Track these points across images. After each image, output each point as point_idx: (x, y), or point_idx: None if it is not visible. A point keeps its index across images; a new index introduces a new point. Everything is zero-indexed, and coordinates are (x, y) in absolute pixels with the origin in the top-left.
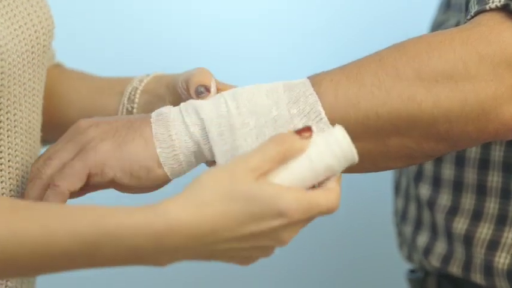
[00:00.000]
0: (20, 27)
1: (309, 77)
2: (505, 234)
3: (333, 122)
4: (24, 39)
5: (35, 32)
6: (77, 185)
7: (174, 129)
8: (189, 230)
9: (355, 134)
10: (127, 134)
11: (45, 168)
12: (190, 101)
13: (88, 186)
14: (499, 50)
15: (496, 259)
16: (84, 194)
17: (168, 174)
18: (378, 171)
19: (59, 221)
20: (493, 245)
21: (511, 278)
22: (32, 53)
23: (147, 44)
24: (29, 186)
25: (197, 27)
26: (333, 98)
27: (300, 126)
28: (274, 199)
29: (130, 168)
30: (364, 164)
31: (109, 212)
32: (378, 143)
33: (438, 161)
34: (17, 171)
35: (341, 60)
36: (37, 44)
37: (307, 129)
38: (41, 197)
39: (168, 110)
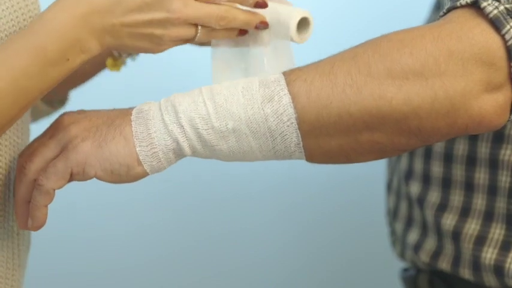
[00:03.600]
0: (7, 8)
1: (284, 73)
2: (492, 230)
3: (306, 122)
4: (11, 20)
5: (22, 14)
6: (61, 184)
7: (153, 127)
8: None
9: (327, 131)
10: (107, 133)
11: (30, 165)
12: (170, 99)
13: (71, 181)
14: (468, 46)
15: (483, 254)
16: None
17: (148, 171)
18: (351, 163)
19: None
20: (480, 240)
21: (498, 272)
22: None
23: None
24: (16, 183)
25: None
26: (306, 99)
27: (273, 126)
28: None
29: (110, 166)
30: (338, 158)
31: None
32: (350, 139)
33: (427, 158)
34: (6, 166)
35: None
36: (24, 26)
37: None
38: (28, 193)
39: (148, 108)
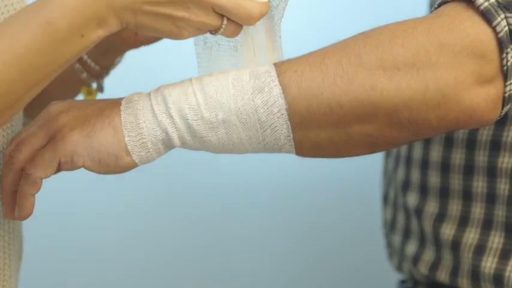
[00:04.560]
0: None
1: (275, 65)
2: (491, 239)
3: (296, 113)
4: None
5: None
6: (48, 173)
7: (142, 117)
8: None
9: (318, 123)
10: (96, 123)
11: (17, 154)
12: (160, 89)
13: (58, 171)
14: (460, 38)
15: (483, 264)
16: (57, 173)
17: (137, 161)
18: (340, 157)
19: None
20: (480, 249)
21: (497, 282)
22: None
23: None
24: (3, 172)
25: None
26: (297, 90)
27: (263, 118)
28: None
29: (99, 156)
30: (328, 151)
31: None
32: (340, 131)
33: (424, 169)
34: None
35: None
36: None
37: None
38: (15, 183)
39: (138, 98)
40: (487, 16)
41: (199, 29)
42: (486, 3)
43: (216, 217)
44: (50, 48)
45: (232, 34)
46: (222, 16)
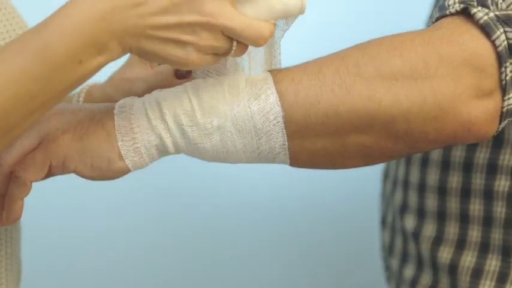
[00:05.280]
0: None
1: (271, 72)
2: (488, 262)
3: (292, 121)
4: None
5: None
6: (38, 176)
7: (136, 122)
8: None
9: (314, 132)
10: (89, 126)
11: (6, 156)
12: (154, 94)
13: (50, 175)
14: (459, 50)
15: (481, 287)
16: (46, 178)
17: (130, 166)
18: (337, 168)
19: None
20: (477, 273)
21: None
22: None
23: None
24: None
25: None
26: (293, 98)
27: (259, 125)
28: None
29: (91, 160)
30: (323, 161)
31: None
32: (337, 141)
33: (422, 192)
34: None
35: None
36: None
37: None
38: (3, 186)
39: (131, 102)
40: (486, 30)
41: (208, 54)
42: (486, 17)
43: (218, 221)
44: (46, 74)
45: (239, 54)
46: (231, 38)
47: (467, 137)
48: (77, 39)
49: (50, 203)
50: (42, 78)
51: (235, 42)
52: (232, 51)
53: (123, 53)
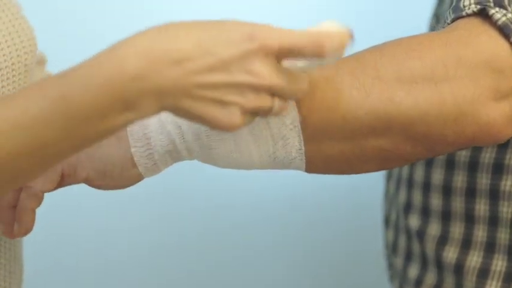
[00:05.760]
0: None
1: None
2: (494, 262)
3: (310, 125)
4: (3, 55)
5: (16, 50)
6: (50, 186)
7: (149, 127)
8: (152, 53)
9: (331, 136)
10: None
11: None
12: None
13: (62, 185)
14: (477, 52)
15: (487, 287)
16: (58, 188)
17: (143, 173)
18: (353, 173)
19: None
20: (483, 273)
21: None
22: (13, 70)
23: None
24: None
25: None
26: (310, 102)
27: (275, 129)
28: (246, 25)
29: (103, 168)
30: (340, 166)
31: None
32: (354, 145)
33: (426, 191)
34: None
35: None
36: (18, 62)
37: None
38: (14, 197)
39: None
40: (504, 31)
41: (251, 116)
42: (504, 18)
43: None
44: (61, 124)
45: (279, 114)
46: (273, 96)
47: (486, 140)
48: (104, 93)
49: (54, 202)
50: (57, 128)
51: (277, 101)
52: (273, 111)
53: (159, 111)
